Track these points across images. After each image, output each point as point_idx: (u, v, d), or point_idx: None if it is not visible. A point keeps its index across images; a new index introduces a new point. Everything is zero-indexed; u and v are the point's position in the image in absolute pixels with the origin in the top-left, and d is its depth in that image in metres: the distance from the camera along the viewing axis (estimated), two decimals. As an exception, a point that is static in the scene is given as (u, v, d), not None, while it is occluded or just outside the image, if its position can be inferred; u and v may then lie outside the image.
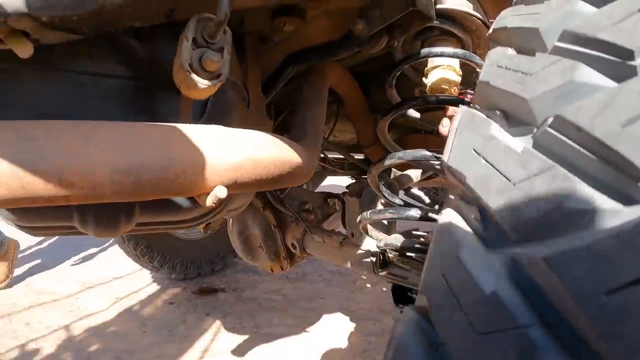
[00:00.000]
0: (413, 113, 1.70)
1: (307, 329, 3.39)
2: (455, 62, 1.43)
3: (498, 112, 0.61)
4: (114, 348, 3.05)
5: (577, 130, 0.46)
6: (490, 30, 0.80)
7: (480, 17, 1.42)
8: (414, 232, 1.74)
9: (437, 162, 1.42)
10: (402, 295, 1.79)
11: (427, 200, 2.38)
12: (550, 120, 0.50)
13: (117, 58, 1.08)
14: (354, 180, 3.16)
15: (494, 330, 0.46)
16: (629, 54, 0.47)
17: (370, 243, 1.91)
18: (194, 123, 1.04)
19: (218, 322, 3.45)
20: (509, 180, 0.50)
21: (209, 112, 1.19)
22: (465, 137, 0.61)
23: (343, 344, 3.19)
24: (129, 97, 1.09)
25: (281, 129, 1.94)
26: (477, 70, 1.47)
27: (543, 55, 0.58)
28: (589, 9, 0.59)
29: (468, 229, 0.56)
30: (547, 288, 0.44)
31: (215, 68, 0.92)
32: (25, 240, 5.03)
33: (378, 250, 1.76)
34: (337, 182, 4.22)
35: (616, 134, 0.43)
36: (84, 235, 1.28)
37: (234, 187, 0.97)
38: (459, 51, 1.39)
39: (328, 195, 2.52)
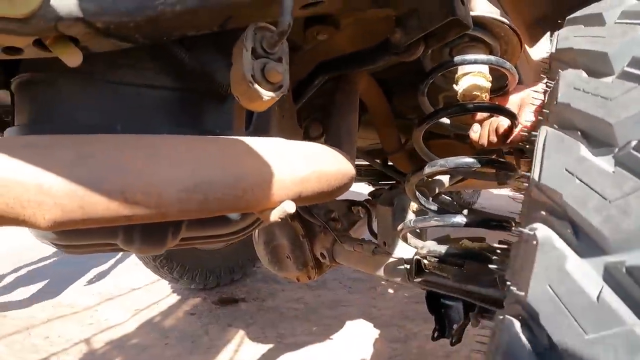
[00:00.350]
0: (443, 119, 1.68)
1: (330, 337, 3.37)
2: (485, 69, 1.41)
3: (579, 133, 0.64)
4: (136, 360, 3.03)
5: None
6: (553, 50, 0.85)
7: (509, 23, 1.39)
8: (451, 238, 1.71)
9: (475, 168, 1.40)
10: (435, 302, 1.77)
11: (455, 205, 2.35)
12: (634, 143, 0.55)
13: (163, 68, 1.05)
14: (373, 188, 3.18)
15: (602, 332, 0.51)
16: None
17: (403, 251, 1.88)
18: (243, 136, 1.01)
19: (241, 333, 3.43)
20: (605, 199, 0.55)
21: (254, 123, 1.17)
22: (556, 157, 0.64)
23: (368, 351, 3.16)
24: (175, 108, 1.07)
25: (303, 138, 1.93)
26: (507, 75, 1.45)
27: (620, 81, 0.62)
28: None
29: (563, 242, 0.59)
30: None
31: (279, 79, 0.91)
32: (38, 252, 5.04)
33: (413, 258, 1.73)
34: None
35: None
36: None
37: (297, 202, 0.95)
38: (492, 58, 1.38)
39: (352, 203, 2.49)
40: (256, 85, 0.87)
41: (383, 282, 4.42)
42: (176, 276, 3.87)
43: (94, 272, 4.68)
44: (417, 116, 2.13)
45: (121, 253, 5.13)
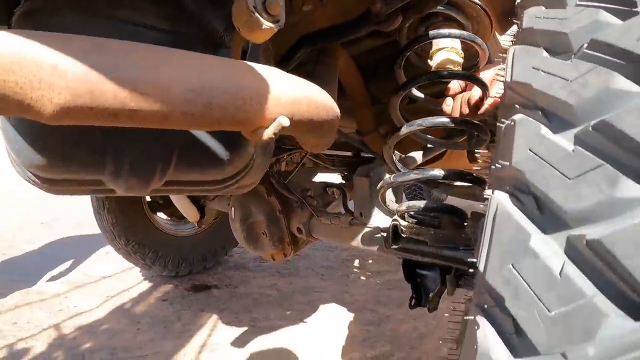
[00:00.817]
0: (417, 93, 1.75)
1: (304, 321, 3.37)
2: (458, 45, 1.53)
3: (539, 112, 0.68)
4: (108, 345, 2.99)
5: (621, 134, 0.55)
6: (519, 29, 0.91)
7: (481, 5, 1.52)
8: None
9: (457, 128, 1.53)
10: (412, 271, 1.81)
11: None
12: (592, 123, 0.59)
13: (162, 11, 1.09)
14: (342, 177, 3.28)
15: (565, 307, 0.53)
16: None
17: (379, 220, 1.93)
18: None
19: (214, 318, 3.41)
20: (566, 176, 0.58)
21: None
22: (522, 138, 0.68)
23: (343, 334, 3.18)
24: None
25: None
26: (478, 53, 1.59)
27: (579, 62, 0.67)
28: (614, 20, 0.68)
29: (525, 217, 0.63)
30: (604, 262, 0.51)
31: (279, 11, 0.95)
32: (7, 243, 4.96)
33: (390, 224, 1.78)
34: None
35: None
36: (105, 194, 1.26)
37: (290, 124, 0.97)
38: (465, 33, 1.49)
39: (327, 184, 2.55)
40: (257, 15, 0.92)
41: (355, 271, 4.45)
42: (148, 262, 3.83)
43: (64, 261, 4.60)
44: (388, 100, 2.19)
45: (92, 246, 5.06)
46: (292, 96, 0.97)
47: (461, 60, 1.52)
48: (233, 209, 2.47)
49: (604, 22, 0.68)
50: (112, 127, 0.80)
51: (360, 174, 1.96)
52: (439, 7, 1.48)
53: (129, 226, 3.66)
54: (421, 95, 1.77)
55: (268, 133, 0.92)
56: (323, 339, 3.10)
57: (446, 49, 1.52)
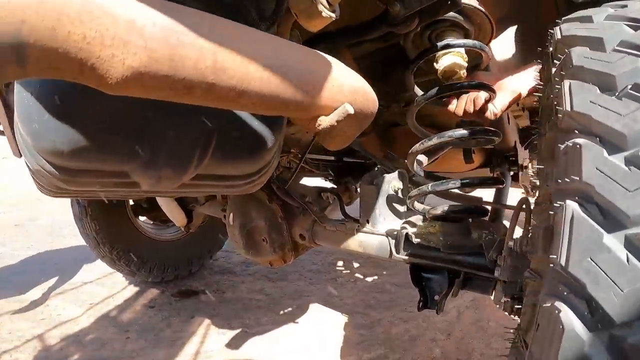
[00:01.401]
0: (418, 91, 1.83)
1: (297, 326, 3.36)
2: (462, 49, 1.58)
3: (596, 138, 0.84)
4: (97, 356, 2.95)
5: None
6: (558, 37, 1.14)
7: (486, 12, 1.55)
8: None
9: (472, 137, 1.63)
10: (418, 276, 1.86)
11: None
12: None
13: None
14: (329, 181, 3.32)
15: (633, 286, 0.69)
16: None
17: (386, 227, 1.93)
18: None
19: (205, 324, 3.37)
20: (627, 189, 0.76)
21: None
22: (589, 158, 0.83)
23: (336, 337, 3.18)
24: None
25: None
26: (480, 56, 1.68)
27: (629, 101, 0.85)
28: None
29: (592, 221, 0.77)
30: None
31: (338, 1, 0.96)
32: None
33: (401, 231, 1.83)
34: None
35: None
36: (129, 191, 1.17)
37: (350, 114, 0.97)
38: (477, 43, 1.57)
39: (322, 189, 2.56)
40: (319, 3, 0.92)
41: (342, 274, 4.46)
42: (133, 269, 3.78)
43: (42, 266, 4.51)
44: (385, 103, 2.21)
45: (67, 247, 4.96)
46: (354, 85, 0.97)
47: (466, 64, 1.58)
48: (231, 214, 2.46)
49: None
50: (150, 107, 0.75)
51: (365, 182, 1.97)
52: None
53: (112, 232, 3.60)
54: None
55: (330, 120, 0.92)
56: (317, 343, 3.09)
57: (452, 53, 1.56)
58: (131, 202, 3.73)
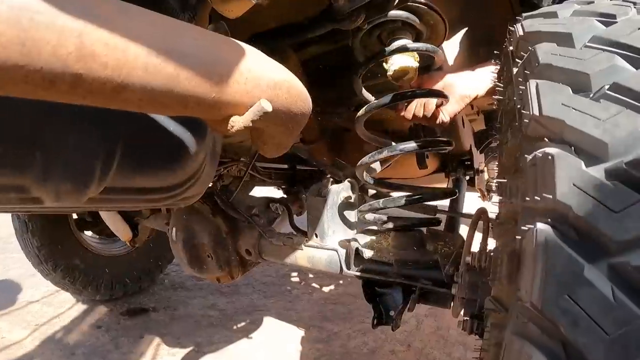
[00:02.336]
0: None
1: (252, 343, 3.23)
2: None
3: (569, 147, 0.73)
4: (41, 382, 2.79)
5: None
6: (520, 33, 1.05)
7: (440, 12, 1.48)
8: None
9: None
10: (372, 291, 1.77)
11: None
12: (626, 160, 0.65)
13: None
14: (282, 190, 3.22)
15: (622, 329, 0.59)
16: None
17: (336, 241, 1.83)
18: None
19: (155, 344, 3.21)
20: (612, 210, 0.64)
21: None
22: (564, 172, 0.71)
23: (292, 353, 3.06)
24: None
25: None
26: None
27: (609, 103, 0.73)
28: (627, 65, 0.78)
29: (570, 249, 0.66)
30: None
31: None
32: None
33: (351, 246, 1.74)
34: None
35: None
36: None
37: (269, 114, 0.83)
38: (430, 47, 1.50)
39: (270, 200, 2.44)
40: None
41: (297, 286, 4.35)
42: (79, 287, 3.60)
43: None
44: (334, 110, 2.14)
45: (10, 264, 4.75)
46: (273, 79, 0.84)
47: (417, 65, 1.51)
48: (174, 229, 2.32)
49: (620, 67, 0.78)
50: (41, 110, 0.64)
51: (313, 193, 1.86)
52: (398, 13, 1.41)
53: (55, 249, 3.42)
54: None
55: (244, 120, 0.78)
56: (272, 360, 2.97)
57: (404, 53, 1.50)
58: (75, 216, 3.56)
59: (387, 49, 1.49)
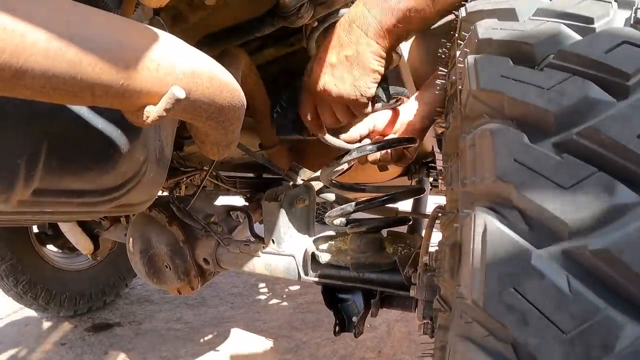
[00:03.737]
0: None
1: (219, 354, 3.17)
2: None
3: (511, 121, 0.67)
4: (3, 402, 2.70)
5: (610, 140, 0.57)
6: (463, 15, 0.96)
7: None
8: None
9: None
10: (332, 297, 1.73)
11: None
12: (576, 130, 0.60)
13: None
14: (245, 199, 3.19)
15: (581, 325, 0.50)
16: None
17: (293, 247, 1.80)
18: None
19: (119, 360, 3.14)
20: (561, 186, 0.57)
21: None
22: (504, 148, 0.65)
23: (260, 366, 3.00)
24: None
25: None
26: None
27: (553, 71, 0.68)
28: (574, 34, 0.73)
29: (515, 234, 0.59)
30: (612, 272, 0.51)
31: None
32: None
33: (307, 251, 1.70)
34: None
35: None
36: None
37: (185, 104, 0.79)
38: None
39: (230, 207, 2.42)
40: None
41: (265, 295, 4.31)
42: (42, 303, 3.49)
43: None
44: None
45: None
46: (190, 67, 0.79)
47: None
48: (131, 239, 2.26)
49: (566, 35, 0.73)
50: None
51: (268, 199, 1.82)
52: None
53: (16, 264, 3.33)
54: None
55: (158, 110, 0.73)
56: (238, 373, 2.91)
57: None
58: (35, 230, 3.47)
59: None
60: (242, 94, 1.01)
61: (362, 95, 1.32)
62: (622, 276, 0.51)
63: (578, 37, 0.72)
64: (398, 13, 1.19)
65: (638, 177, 0.55)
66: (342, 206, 1.61)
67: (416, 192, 1.83)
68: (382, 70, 1.31)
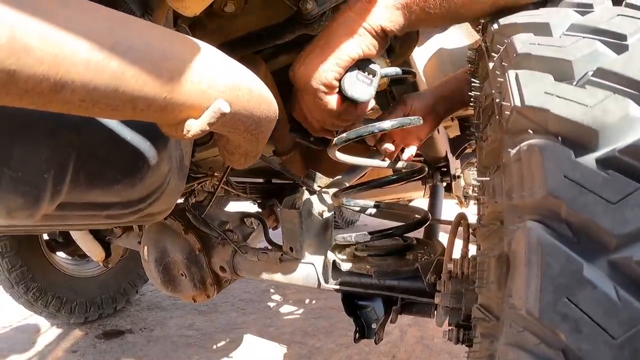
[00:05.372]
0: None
1: (231, 361, 3.16)
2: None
3: (556, 138, 0.68)
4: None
5: None
6: (495, 27, 1.00)
7: None
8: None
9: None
10: (352, 305, 1.70)
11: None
12: (619, 147, 0.61)
13: None
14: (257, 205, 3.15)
15: (629, 331, 0.54)
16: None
17: (312, 255, 1.79)
18: None
19: (131, 368, 3.12)
20: (609, 201, 0.59)
21: None
22: (553, 164, 0.66)
23: (273, 373, 2.98)
24: None
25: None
26: None
27: (595, 89, 0.69)
28: (609, 51, 0.74)
29: (566, 247, 0.61)
30: None
31: None
32: None
33: (327, 259, 1.69)
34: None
35: None
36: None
37: (227, 117, 0.76)
38: (399, 70, 1.38)
39: (245, 214, 2.40)
40: None
41: (277, 301, 4.28)
42: (52, 310, 3.49)
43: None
44: None
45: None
46: (232, 79, 0.77)
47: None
48: (146, 248, 2.24)
49: (602, 53, 0.74)
50: None
51: (286, 206, 1.80)
52: None
53: (27, 271, 3.33)
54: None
55: (201, 124, 0.71)
56: (252, 380, 2.89)
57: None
58: (46, 237, 3.46)
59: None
60: (276, 105, 1.00)
61: (321, 82, 1.14)
62: None
63: (613, 54, 0.74)
64: None
65: None
66: (360, 201, 1.68)
67: (418, 172, 1.75)
68: (358, 51, 1.13)
